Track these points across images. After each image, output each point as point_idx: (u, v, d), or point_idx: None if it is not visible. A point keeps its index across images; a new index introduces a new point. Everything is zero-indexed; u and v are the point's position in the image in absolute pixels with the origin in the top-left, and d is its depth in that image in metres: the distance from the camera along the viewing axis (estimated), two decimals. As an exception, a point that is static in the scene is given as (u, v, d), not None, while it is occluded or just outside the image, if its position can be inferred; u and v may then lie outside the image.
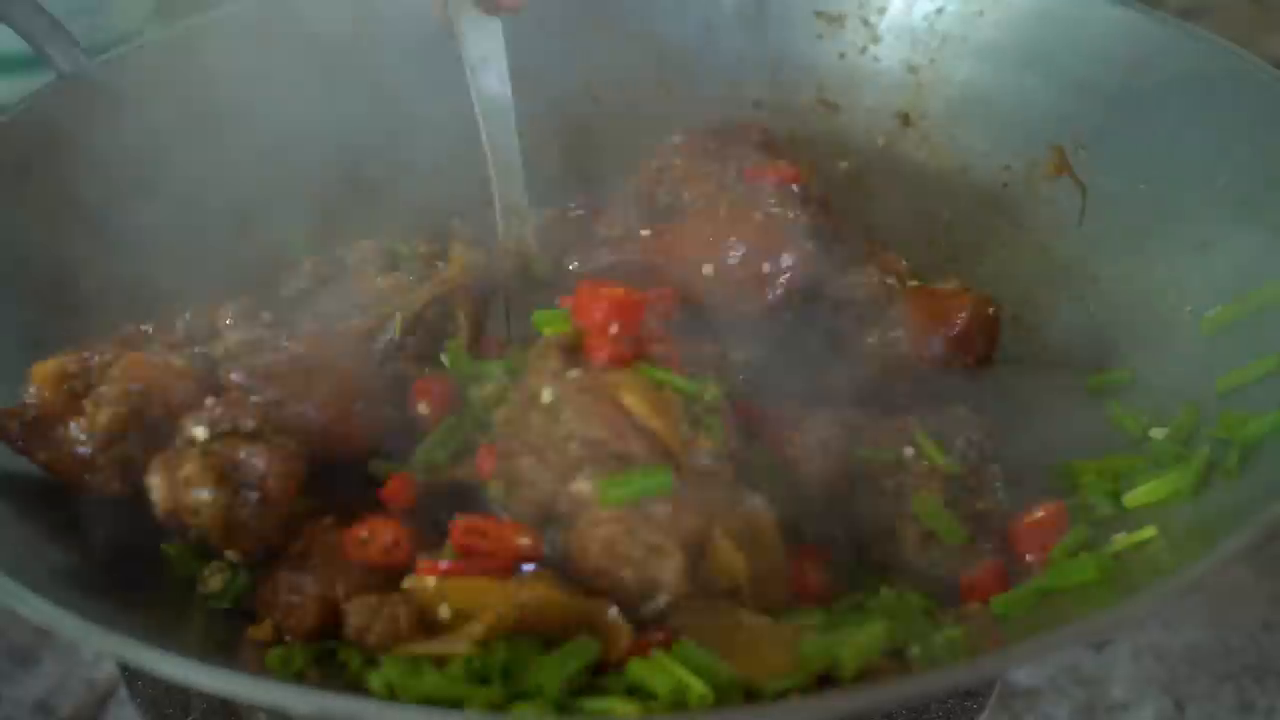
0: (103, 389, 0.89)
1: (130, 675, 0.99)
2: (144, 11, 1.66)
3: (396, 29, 1.25)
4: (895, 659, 0.77)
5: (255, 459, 0.86)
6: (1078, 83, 1.16)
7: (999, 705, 1.08)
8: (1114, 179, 1.12)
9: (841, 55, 1.29)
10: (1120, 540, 0.85)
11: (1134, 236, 1.08)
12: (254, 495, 0.86)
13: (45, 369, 0.91)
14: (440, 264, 1.08)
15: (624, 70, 1.32)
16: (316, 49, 1.22)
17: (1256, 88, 1.02)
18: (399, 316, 1.01)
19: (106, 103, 1.12)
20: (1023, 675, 1.12)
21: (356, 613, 0.80)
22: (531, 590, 0.77)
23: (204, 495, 0.84)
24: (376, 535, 0.85)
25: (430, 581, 0.79)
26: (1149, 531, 0.84)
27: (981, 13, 1.22)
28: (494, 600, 0.76)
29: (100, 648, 0.92)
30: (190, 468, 0.85)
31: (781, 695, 0.72)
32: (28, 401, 0.90)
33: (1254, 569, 1.20)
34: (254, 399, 0.89)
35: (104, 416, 0.88)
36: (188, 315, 1.01)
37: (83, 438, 0.88)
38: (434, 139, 1.22)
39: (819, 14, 1.29)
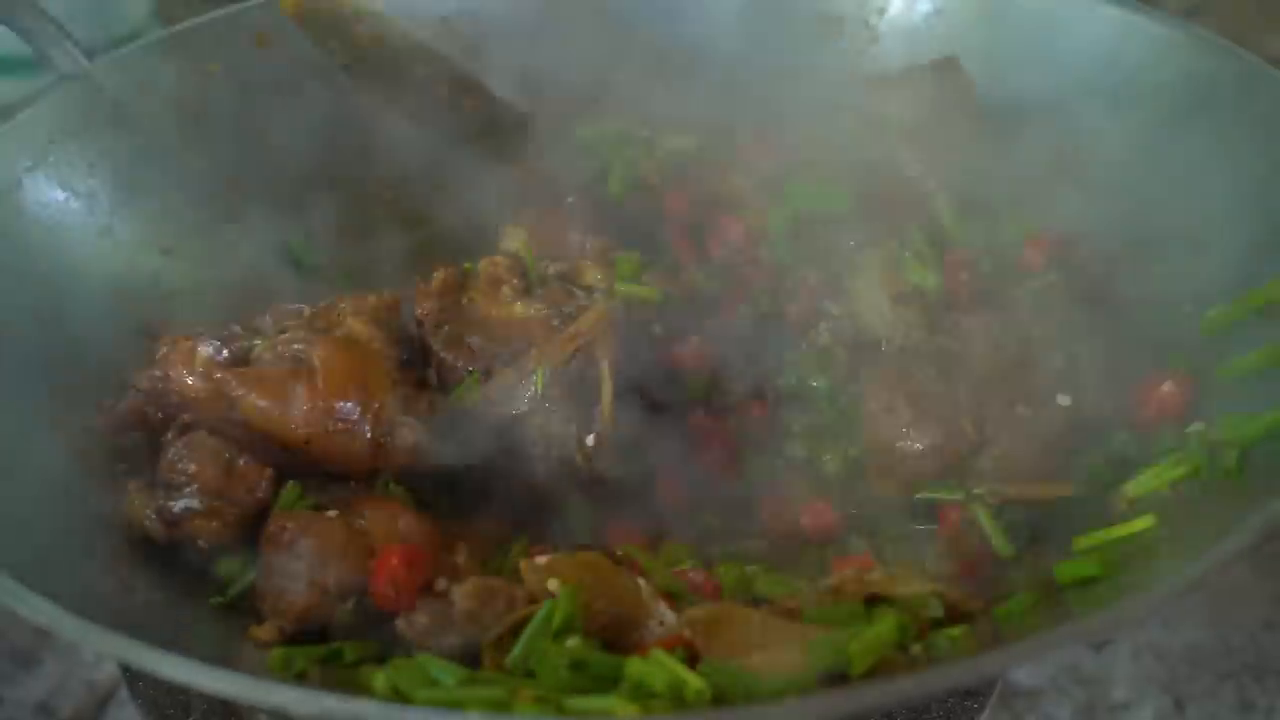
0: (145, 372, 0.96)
1: (131, 676, 0.99)
2: (144, 12, 1.67)
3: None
4: (903, 653, 0.77)
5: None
6: (1078, 82, 1.16)
7: (1000, 705, 1.08)
8: (1114, 179, 1.12)
9: (842, 56, 1.29)
10: (1120, 528, 0.85)
11: (1134, 237, 1.08)
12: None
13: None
14: (575, 289, 1.04)
15: (623, 72, 1.32)
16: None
17: (1257, 87, 1.02)
18: (541, 372, 0.96)
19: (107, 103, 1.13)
20: (1023, 675, 1.12)
21: (467, 596, 0.80)
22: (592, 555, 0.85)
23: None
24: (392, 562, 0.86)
25: (542, 560, 0.82)
26: (1148, 520, 0.84)
27: (981, 13, 1.22)
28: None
29: (100, 649, 0.92)
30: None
31: (779, 693, 0.72)
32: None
33: (1255, 568, 1.20)
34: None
35: (131, 397, 0.96)
36: (304, 309, 1.02)
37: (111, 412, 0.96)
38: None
39: (820, 15, 1.29)
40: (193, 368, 0.94)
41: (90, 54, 1.13)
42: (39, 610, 0.72)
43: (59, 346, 1.00)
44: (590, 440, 0.96)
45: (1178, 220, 1.05)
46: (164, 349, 0.96)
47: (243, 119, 1.20)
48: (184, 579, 0.90)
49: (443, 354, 1.00)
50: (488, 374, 0.98)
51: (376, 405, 0.94)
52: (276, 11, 1.22)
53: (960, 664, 0.75)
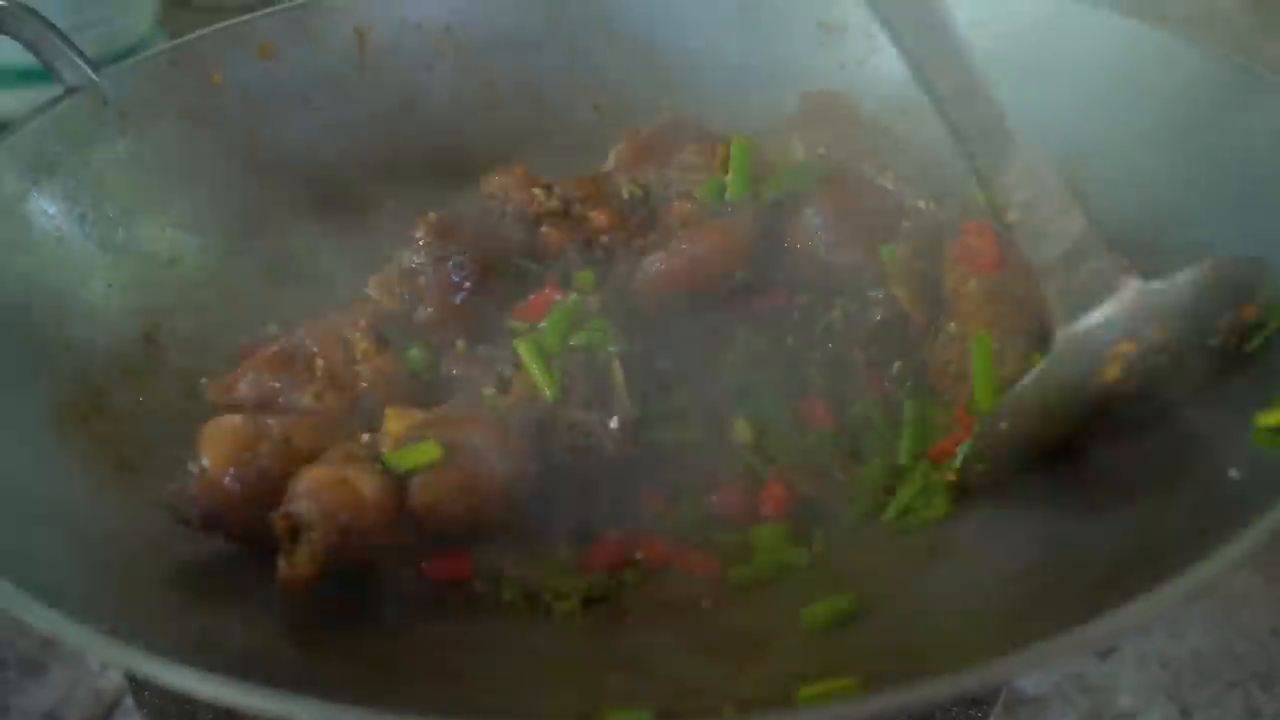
0: (307, 525, 0.87)
1: (137, 685, 1.00)
2: (148, 24, 1.67)
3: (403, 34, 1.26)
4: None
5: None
6: (1080, 93, 1.16)
7: (1004, 713, 1.08)
8: (1115, 188, 1.12)
9: (842, 65, 1.29)
10: None
11: (1135, 246, 1.07)
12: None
13: (215, 437, 0.92)
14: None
15: (626, 81, 1.32)
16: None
17: (1258, 96, 1.02)
18: (553, 364, 0.97)
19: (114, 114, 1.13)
20: (1028, 684, 1.12)
21: None
22: None
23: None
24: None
25: None
26: None
27: (983, 23, 1.22)
28: None
29: (104, 657, 0.92)
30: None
31: None
32: (204, 475, 0.90)
33: (1263, 574, 1.19)
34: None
35: (308, 559, 0.86)
36: (320, 363, 1.01)
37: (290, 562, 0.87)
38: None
39: (820, 24, 1.29)
40: (376, 515, 0.89)
41: (96, 65, 1.14)
42: (46, 620, 0.72)
43: (63, 356, 1.01)
44: (614, 424, 0.97)
45: (1181, 229, 1.05)
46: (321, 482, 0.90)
47: (248, 129, 1.21)
48: (189, 584, 0.91)
49: (454, 370, 1.02)
50: (502, 380, 0.99)
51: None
52: (280, 22, 1.23)
53: (964, 671, 0.75)
